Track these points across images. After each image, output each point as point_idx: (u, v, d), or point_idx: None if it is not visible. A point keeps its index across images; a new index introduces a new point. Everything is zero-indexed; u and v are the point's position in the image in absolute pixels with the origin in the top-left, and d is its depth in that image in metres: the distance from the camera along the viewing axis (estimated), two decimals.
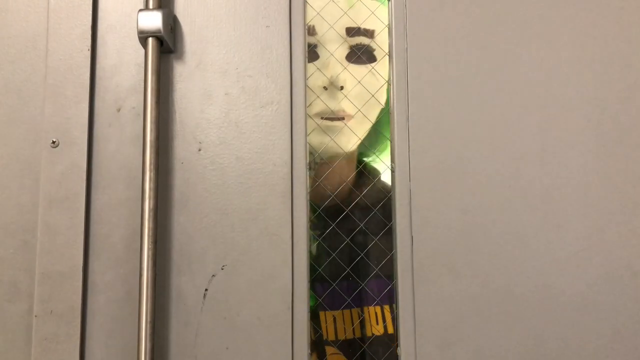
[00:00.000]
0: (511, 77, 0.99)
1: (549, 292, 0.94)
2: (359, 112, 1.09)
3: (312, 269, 0.97)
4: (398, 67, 1.00)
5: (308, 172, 0.99)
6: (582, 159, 0.97)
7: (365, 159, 1.13)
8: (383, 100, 0.97)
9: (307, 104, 1.00)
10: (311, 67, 1.05)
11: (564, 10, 1.00)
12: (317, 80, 1.08)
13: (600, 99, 0.98)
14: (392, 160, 1.00)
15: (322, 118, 1.08)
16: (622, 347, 0.93)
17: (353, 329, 1.07)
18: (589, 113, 0.98)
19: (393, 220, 0.99)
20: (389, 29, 1.04)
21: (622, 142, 0.97)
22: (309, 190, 0.99)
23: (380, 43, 1.09)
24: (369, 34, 1.09)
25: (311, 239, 0.98)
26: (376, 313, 1.06)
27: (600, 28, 1.00)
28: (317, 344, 1.06)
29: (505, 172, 0.97)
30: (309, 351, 0.95)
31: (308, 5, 1.05)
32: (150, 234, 0.88)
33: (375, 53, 1.10)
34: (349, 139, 1.10)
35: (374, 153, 1.10)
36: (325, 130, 1.08)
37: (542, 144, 0.97)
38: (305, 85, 1.00)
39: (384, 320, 1.06)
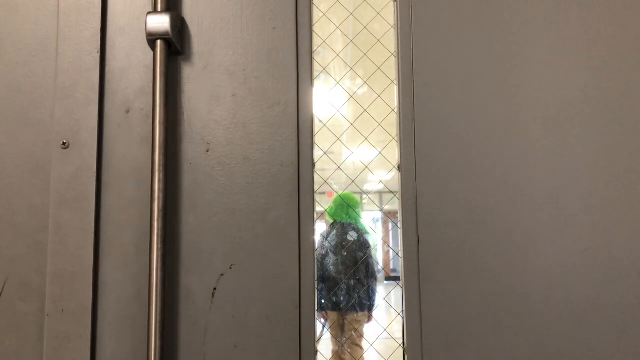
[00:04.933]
0: (517, 77, 0.99)
1: (555, 291, 0.95)
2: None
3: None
4: (404, 67, 1.00)
5: (315, 172, 1.00)
6: (587, 159, 0.97)
7: None
8: None
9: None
10: (317, 66, 1.06)
11: (569, 11, 1.00)
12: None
13: (606, 99, 0.98)
14: (399, 159, 1.00)
15: None
16: (628, 346, 0.94)
17: None
18: (594, 113, 0.98)
19: (399, 220, 0.99)
20: (395, 29, 1.05)
21: (628, 143, 0.97)
22: (315, 190, 1.00)
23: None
24: None
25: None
26: None
27: (606, 29, 1.00)
28: None
29: (511, 172, 0.97)
30: (317, 349, 0.96)
31: (314, 6, 1.05)
32: (160, 233, 0.90)
33: None
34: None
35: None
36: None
37: (547, 144, 0.98)
38: (312, 86, 1.01)
39: None
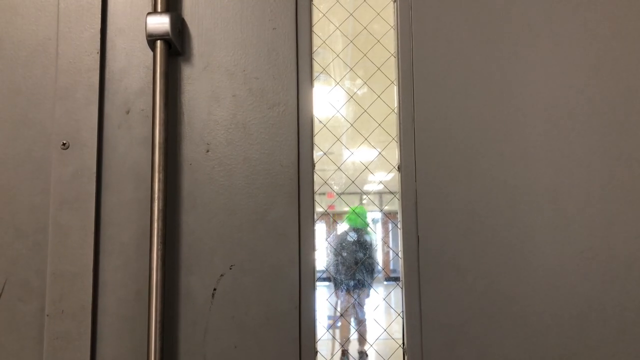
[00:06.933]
0: (516, 77, 0.99)
1: (554, 291, 0.95)
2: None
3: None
4: (404, 67, 1.01)
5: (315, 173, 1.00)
6: (587, 159, 0.97)
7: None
8: None
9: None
10: (317, 67, 1.06)
11: (568, 11, 1.01)
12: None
13: (606, 100, 0.99)
14: (398, 160, 1.00)
15: None
16: (628, 346, 0.94)
17: None
18: (594, 113, 0.98)
19: (399, 220, 0.99)
20: (394, 29, 1.05)
21: (628, 143, 0.97)
22: (315, 191, 1.00)
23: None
24: None
25: None
26: None
27: (605, 29, 1.00)
28: None
29: (511, 173, 0.97)
30: (316, 349, 0.96)
31: (314, 7, 1.05)
32: (160, 234, 0.90)
33: None
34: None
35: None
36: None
37: (546, 145, 0.98)
38: (312, 87, 1.01)
39: None
